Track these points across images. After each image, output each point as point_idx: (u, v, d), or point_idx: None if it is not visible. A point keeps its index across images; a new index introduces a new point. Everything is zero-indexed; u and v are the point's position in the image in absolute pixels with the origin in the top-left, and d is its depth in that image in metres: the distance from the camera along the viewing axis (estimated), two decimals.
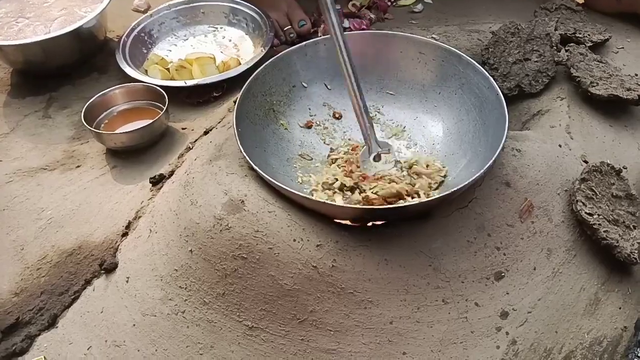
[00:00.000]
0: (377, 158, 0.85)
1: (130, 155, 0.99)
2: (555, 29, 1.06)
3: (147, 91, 1.05)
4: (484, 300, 0.76)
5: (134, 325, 0.77)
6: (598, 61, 1.02)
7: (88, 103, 1.00)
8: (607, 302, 0.79)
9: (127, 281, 0.81)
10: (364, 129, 0.83)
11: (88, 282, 0.83)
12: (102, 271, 0.83)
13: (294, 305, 0.74)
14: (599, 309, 0.78)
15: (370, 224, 0.79)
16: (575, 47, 1.03)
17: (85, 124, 0.97)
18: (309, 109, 0.96)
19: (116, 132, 0.99)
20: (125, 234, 0.87)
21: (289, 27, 1.20)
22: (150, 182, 0.92)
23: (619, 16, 1.20)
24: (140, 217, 0.88)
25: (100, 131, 0.99)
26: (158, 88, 1.03)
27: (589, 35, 1.08)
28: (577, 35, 1.07)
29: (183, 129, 1.03)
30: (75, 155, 1.01)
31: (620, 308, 0.79)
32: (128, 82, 1.07)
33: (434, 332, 0.74)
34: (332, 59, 0.95)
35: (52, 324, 0.80)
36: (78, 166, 0.99)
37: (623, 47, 1.11)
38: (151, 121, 0.97)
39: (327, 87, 0.97)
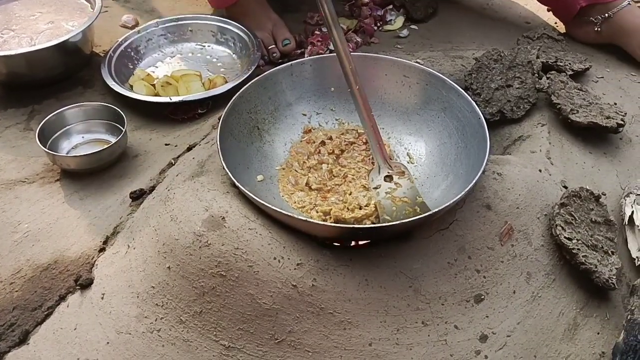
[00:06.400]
0: (388, 179, 0.85)
1: (111, 169, 0.98)
2: (537, 57, 1.08)
3: (105, 111, 1.03)
4: (463, 323, 0.76)
5: (108, 343, 0.75)
6: (578, 89, 1.04)
7: (43, 121, 0.99)
8: (585, 327, 0.79)
9: (102, 298, 0.79)
10: (373, 147, 0.85)
11: (62, 298, 0.81)
12: (78, 287, 0.81)
13: (273, 325, 0.73)
14: (578, 333, 0.78)
15: (351, 243, 0.79)
16: (557, 75, 1.05)
17: (38, 143, 0.95)
18: (294, 127, 0.96)
19: (67, 155, 0.98)
20: (102, 250, 0.85)
21: (273, 46, 1.21)
22: (130, 197, 0.91)
23: (599, 46, 1.23)
24: (118, 232, 0.87)
25: (50, 152, 0.96)
26: (116, 108, 1.01)
27: (569, 64, 1.10)
28: (559, 63, 1.09)
29: (166, 144, 1.03)
30: (55, 169, 0.99)
31: (598, 333, 0.79)
32: (111, 97, 1.05)
33: (413, 355, 0.73)
34: (318, 79, 0.97)
35: (23, 340, 0.77)
36: (57, 180, 0.98)
37: (603, 77, 1.14)
38: (105, 147, 0.96)
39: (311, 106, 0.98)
